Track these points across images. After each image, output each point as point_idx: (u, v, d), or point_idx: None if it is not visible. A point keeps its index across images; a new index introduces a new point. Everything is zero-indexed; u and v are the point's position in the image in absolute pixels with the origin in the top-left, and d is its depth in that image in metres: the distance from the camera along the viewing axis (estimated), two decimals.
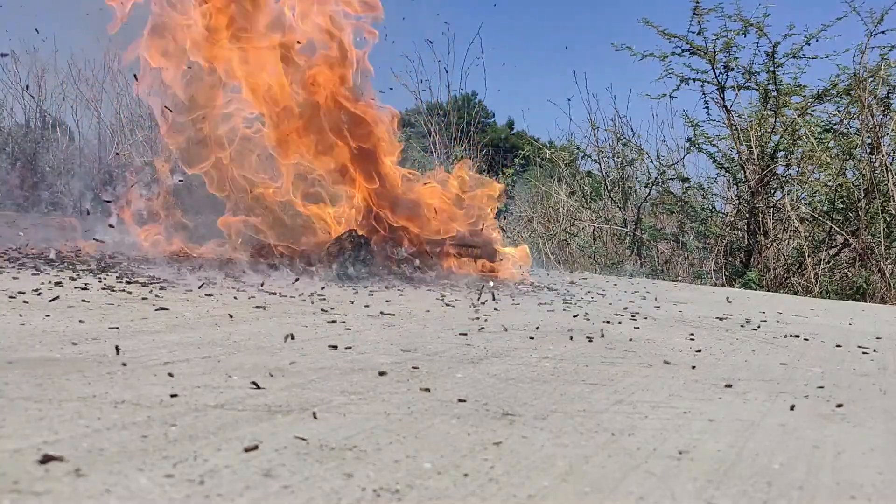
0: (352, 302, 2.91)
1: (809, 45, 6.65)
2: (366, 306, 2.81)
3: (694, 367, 2.00)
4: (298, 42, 3.67)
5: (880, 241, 6.12)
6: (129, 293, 2.69)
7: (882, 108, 6.42)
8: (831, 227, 6.45)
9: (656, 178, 7.56)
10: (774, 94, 6.80)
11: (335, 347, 1.95)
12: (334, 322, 2.37)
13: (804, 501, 1.07)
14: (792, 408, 1.59)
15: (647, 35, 9.30)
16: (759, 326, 2.95)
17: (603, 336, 2.43)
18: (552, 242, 7.60)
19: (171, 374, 1.53)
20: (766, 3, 6.66)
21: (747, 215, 6.86)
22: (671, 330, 2.70)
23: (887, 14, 6.31)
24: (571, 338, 2.37)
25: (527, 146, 8.78)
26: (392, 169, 3.92)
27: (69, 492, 0.92)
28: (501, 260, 4.07)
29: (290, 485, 1.00)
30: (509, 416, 1.39)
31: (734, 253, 6.95)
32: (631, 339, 2.41)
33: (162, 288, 2.87)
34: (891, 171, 6.22)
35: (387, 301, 3.01)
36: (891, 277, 5.90)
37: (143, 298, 2.60)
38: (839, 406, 1.63)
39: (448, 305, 3.02)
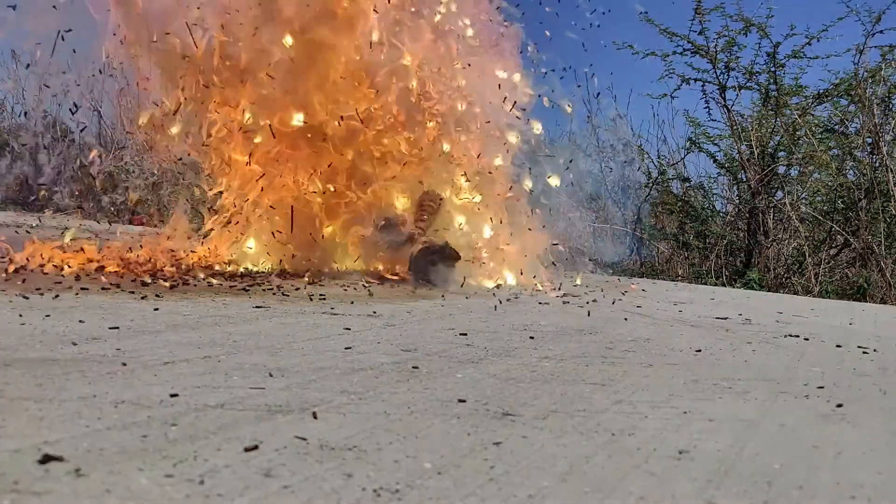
0: (352, 302, 2.91)
1: (811, 45, 6.65)
2: (368, 304, 2.81)
3: (694, 367, 2.00)
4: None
5: (880, 241, 6.11)
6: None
7: (882, 108, 6.42)
8: (831, 227, 6.45)
9: (656, 178, 7.56)
10: (775, 94, 6.80)
11: (335, 347, 1.95)
12: (334, 322, 2.37)
13: (804, 501, 1.07)
14: (792, 408, 1.59)
15: (648, 34, 9.30)
16: (758, 326, 2.95)
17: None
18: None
19: (171, 374, 1.53)
20: (769, 4, 6.66)
21: (748, 215, 6.86)
22: (671, 330, 2.70)
23: (885, 14, 6.31)
24: (571, 337, 2.37)
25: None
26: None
27: (69, 492, 0.92)
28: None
29: (290, 485, 1.00)
30: (509, 416, 1.39)
31: (734, 253, 6.95)
32: (631, 339, 2.41)
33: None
34: (891, 171, 6.21)
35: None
36: (891, 277, 5.90)
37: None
38: (839, 406, 1.63)
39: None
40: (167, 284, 2.95)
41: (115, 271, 3.21)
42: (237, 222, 3.88)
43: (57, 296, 2.49)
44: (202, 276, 3.25)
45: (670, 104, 9.91)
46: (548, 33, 4.31)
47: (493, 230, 4.05)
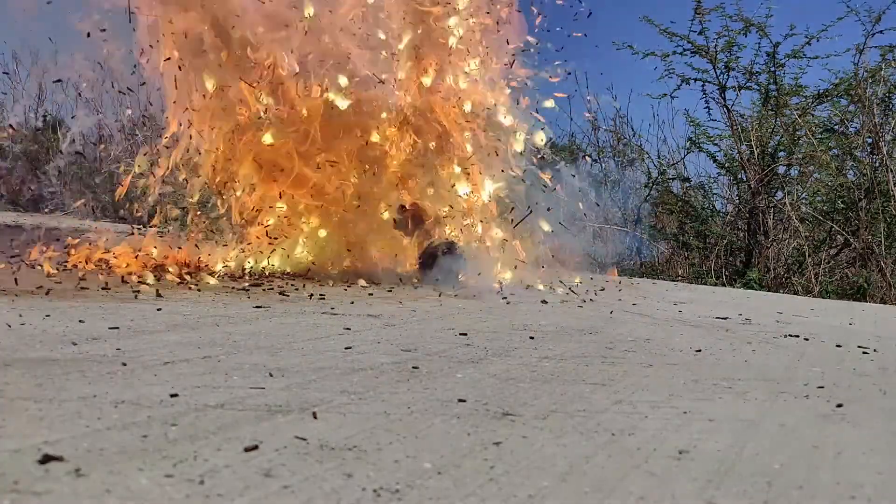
0: (352, 302, 2.91)
1: (810, 45, 6.65)
2: (368, 305, 2.81)
3: (694, 367, 2.00)
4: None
5: (880, 241, 6.11)
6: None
7: (882, 108, 6.42)
8: (832, 227, 6.45)
9: (657, 178, 7.56)
10: (775, 94, 6.80)
11: (335, 347, 1.95)
12: (334, 322, 2.37)
13: (804, 501, 1.07)
14: (792, 408, 1.59)
15: (648, 34, 9.31)
16: (758, 326, 2.95)
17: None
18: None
19: (171, 374, 1.53)
20: (768, 4, 6.66)
21: (748, 215, 6.86)
22: (671, 330, 2.70)
23: (885, 14, 6.31)
24: (571, 337, 2.37)
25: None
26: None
27: (69, 492, 0.92)
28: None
29: (290, 485, 1.00)
30: (509, 416, 1.39)
31: (734, 253, 6.94)
32: (631, 339, 2.41)
33: None
34: (891, 171, 6.21)
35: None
36: (891, 277, 5.90)
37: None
38: (839, 406, 1.63)
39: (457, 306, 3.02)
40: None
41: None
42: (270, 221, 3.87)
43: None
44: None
45: (670, 104, 9.91)
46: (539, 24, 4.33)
47: (491, 229, 4.06)
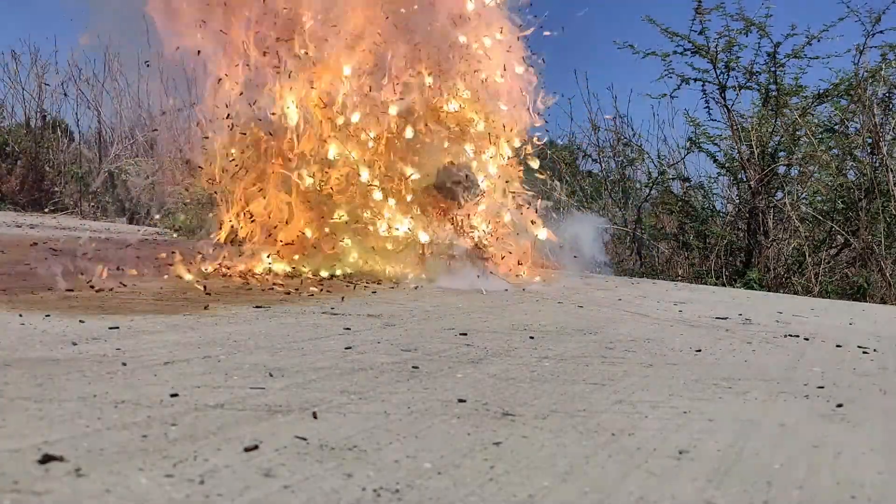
0: (343, 298, 2.91)
1: (811, 45, 6.65)
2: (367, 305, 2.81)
3: (694, 367, 2.00)
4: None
5: (881, 241, 6.11)
6: None
7: (882, 108, 6.42)
8: (832, 226, 6.45)
9: (657, 178, 7.56)
10: (775, 94, 6.80)
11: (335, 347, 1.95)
12: (334, 322, 2.37)
13: (804, 501, 1.07)
14: (792, 408, 1.59)
15: (648, 34, 9.31)
16: (758, 326, 2.95)
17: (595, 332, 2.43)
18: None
19: (171, 374, 1.53)
20: (768, 3, 6.65)
21: (748, 215, 6.85)
22: (671, 330, 2.70)
23: (885, 14, 6.31)
24: (571, 337, 2.37)
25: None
26: None
27: (69, 492, 0.92)
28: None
29: (290, 485, 1.00)
30: (509, 416, 1.39)
31: (734, 253, 6.94)
32: (631, 339, 2.41)
33: None
34: (891, 171, 6.21)
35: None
36: (891, 277, 5.89)
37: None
38: (839, 406, 1.63)
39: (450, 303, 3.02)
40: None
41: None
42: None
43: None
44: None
45: (670, 104, 9.90)
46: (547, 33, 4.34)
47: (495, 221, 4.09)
